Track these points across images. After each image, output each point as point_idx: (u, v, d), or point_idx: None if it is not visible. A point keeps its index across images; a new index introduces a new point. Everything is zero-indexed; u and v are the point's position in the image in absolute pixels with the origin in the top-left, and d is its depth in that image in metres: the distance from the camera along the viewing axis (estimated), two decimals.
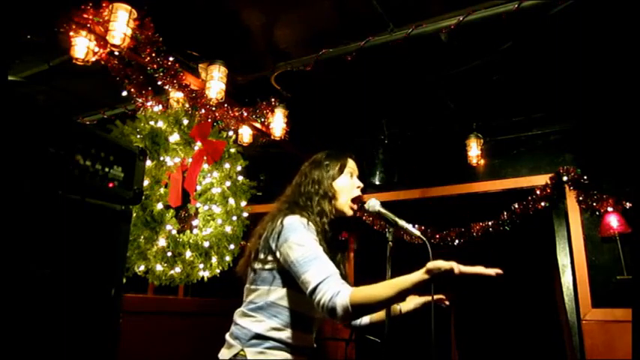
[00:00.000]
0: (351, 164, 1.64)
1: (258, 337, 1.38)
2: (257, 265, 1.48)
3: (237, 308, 1.51)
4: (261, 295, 1.44)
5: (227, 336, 1.45)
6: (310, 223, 1.46)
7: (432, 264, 1.19)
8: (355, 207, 1.59)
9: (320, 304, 1.26)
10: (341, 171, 1.60)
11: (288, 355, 1.39)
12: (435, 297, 1.53)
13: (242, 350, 1.37)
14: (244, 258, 1.56)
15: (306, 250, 1.34)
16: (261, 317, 1.41)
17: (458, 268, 1.17)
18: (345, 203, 1.57)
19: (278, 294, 1.42)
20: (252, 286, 1.47)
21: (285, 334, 1.40)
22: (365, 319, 1.71)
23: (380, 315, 1.63)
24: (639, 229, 3.37)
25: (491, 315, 5.48)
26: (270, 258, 1.44)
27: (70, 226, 1.29)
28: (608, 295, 3.46)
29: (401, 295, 1.22)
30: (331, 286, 1.26)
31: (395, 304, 1.25)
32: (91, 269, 1.36)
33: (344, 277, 1.40)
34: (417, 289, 1.21)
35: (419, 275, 1.20)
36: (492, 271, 1.19)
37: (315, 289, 1.27)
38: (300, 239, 1.36)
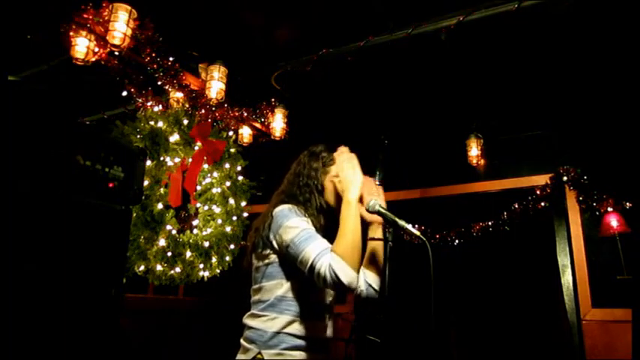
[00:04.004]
0: None
1: (275, 335, 1.37)
2: (258, 263, 1.47)
3: (241, 308, 1.50)
4: (268, 291, 1.43)
5: (242, 340, 1.44)
6: (308, 216, 1.46)
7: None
8: None
9: (320, 276, 1.27)
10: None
11: (305, 355, 1.39)
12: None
13: (259, 353, 1.36)
14: (248, 251, 1.56)
15: (299, 231, 1.35)
16: (273, 314, 1.40)
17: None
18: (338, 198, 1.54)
19: (285, 287, 1.41)
20: (258, 285, 1.46)
21: (301, 327, 1.39)
22: (368, 287, 1.62)
23: (375, 272, 1.63)
24: (639, 229, 3.37)
25: (491, 313, 5.47)
26: (268, 251, 1.44)
27: (70, 226, 1.29)
28: (608, 295, 3.46)
29: (355, 216, 1.36)
30: (327, 258, 1.28)
31: (358, 222, 1.36)
32: (92, 269, 1.36)
33: None
34: (353, 193, 1.40)
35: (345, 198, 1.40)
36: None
37: (312, 264, 1.29)
38: (292, 222, 1.38)
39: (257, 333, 1.40)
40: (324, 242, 1.35)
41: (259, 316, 1.42)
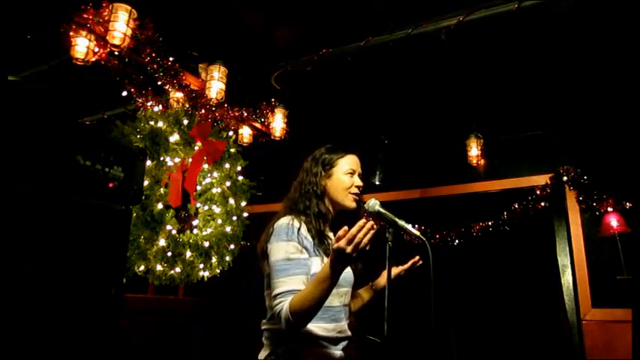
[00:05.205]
0: (350, 161, 1.61)
1: (289, 336, 1.41)
2: (265, 270, 1.50)
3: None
4: None
5: (263, 339, 1.51)
6: (304, 226, 1.47)
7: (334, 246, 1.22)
8: (357, 197, 1.58)
9: (274, 309, 1.34)
10: (339, 167, 1.59)
11: (320, 350, 1.42)
12: (407, 266, 1.68)
13: (275, 349, 1.42)
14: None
15: (279, 259, 1.39)
16: None
17: (350, 246, 1.18)
18: (344, 197, 1.56)
19: None
20: (268, 291, 1.49)
21: (314, 328, 1.41)
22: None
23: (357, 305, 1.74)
24: (639, 229, 3.37)
25: (491, 313, 5.47)
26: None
27: (70, 226, 1.29)
28: (608, 295, 3.46)
29: (327, 284, 1.24)
30: (286, 303, 1.31)
31: (328, 293, 1.26)
32: (92, 269, 1.36)
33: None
34: (335, 271, 1.23)
35: (328, 261, 1.24)
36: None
37: (275, 296, 1.34)
38: (279, 246, 1.41)
39: (273, 332, 1.45)
40: (296, 281, 1.35)
41: (273, 324, 1.45)
